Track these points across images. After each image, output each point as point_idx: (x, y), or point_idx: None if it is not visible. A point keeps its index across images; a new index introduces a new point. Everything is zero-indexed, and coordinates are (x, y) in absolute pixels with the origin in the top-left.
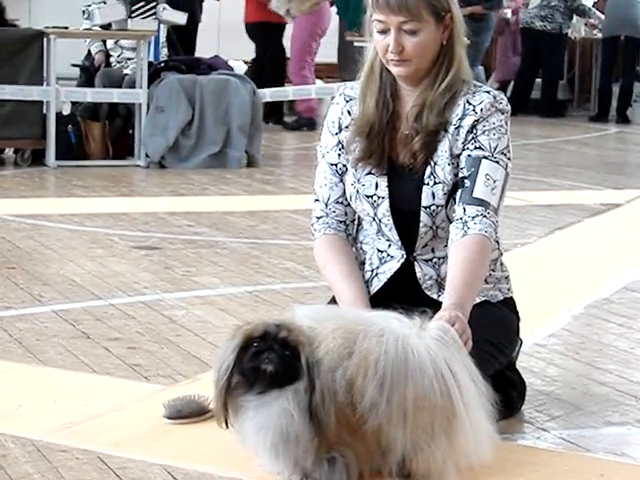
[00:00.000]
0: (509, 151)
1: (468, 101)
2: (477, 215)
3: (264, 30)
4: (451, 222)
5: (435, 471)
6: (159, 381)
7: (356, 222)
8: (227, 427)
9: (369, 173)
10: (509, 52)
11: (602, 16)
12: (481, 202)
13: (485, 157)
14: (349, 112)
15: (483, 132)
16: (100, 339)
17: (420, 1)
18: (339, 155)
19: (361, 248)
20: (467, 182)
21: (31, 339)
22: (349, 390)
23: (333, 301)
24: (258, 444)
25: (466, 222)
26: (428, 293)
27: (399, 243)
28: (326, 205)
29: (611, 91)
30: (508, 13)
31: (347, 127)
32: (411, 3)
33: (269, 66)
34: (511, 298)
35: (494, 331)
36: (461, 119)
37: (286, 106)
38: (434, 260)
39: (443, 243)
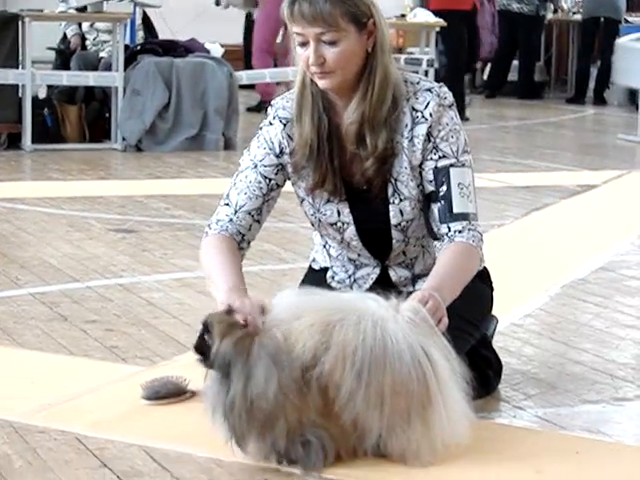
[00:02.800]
0: (467, 144)
1: (413, 107)
2: (462, 229)
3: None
4: (432, 236)
5: (410, 455)
6: (137, 363)
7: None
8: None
9: (328, 201)
10: (487, 31)
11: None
12: (463, 216)
13: (452, 165)
14: (290, 137)
15: (441, 139)
16: (78, 321)
17: (336, 9)
18: (276, 173)
19: (328, 254)
20: (442, 200)
21: (8, 322)
22: (325, 383)
23: (305, 282)
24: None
25: (452, 236)
26: (404, 289)
27: (370, 256)
28: (235, 212)
29: (589, 73)
30: None
31: (291, 153)
32: (326, 12)
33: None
34: (484, 269)
35: (467, 306)
36: (412, 129)
37: None
38: (406, 262)
39: (413, 244)
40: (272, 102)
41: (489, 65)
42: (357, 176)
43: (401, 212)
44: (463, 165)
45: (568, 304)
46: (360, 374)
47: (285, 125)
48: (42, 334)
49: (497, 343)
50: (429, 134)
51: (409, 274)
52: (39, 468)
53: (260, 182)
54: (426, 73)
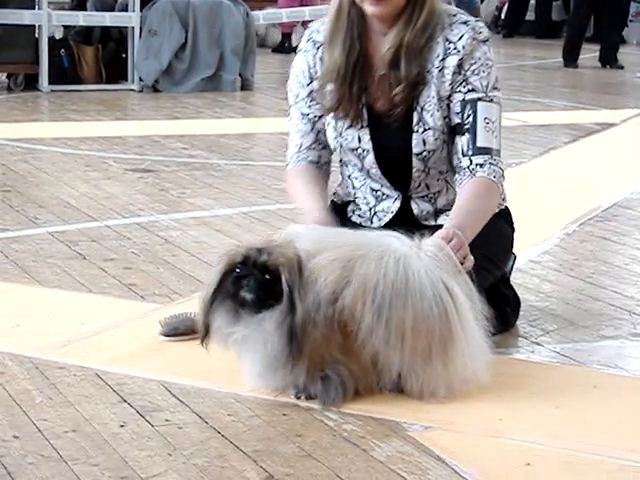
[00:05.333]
0: (498, 81)
1: (447, 38)
2: (484, 163)
3: None
4: (454, 171)
5: (427, 392)
6: (155, 300)
7: (337, 159)
8: (206, 347)
9: (350, 126)
10: None
11: None
12: (486, 150)
13: (480, 99)
14: (321, 59)
15: (472, 72)
16: (96, 260)
17: None
18: (310, 106)
19: (352, 185)
20: (467, 132)
21: (27, 260)
22: (346, 318)
23: None
24: (248, 366)
25: (474, 170)
26: (425, 223)
27: (391, 187)
28: (299, 149)
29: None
30: None
31: (318, 77)
32: None
33: None
34: (506, 208)
35: (489, 244)
36: (443, 59)
37: None
38: (429, 196)
39: (436, 178)
40: (306, 31)
41: (506, 5)
42: (382, 100)
43: (424, 141)
44: (491, 100)
45: (586, 241)
46: (381, 309)
47: (318, 49)
48: (61, 272)
49: (515, 280)
50: (460, 66)
51: (431, 208)
52: (59, 403)
53: (302, 119)
54: None
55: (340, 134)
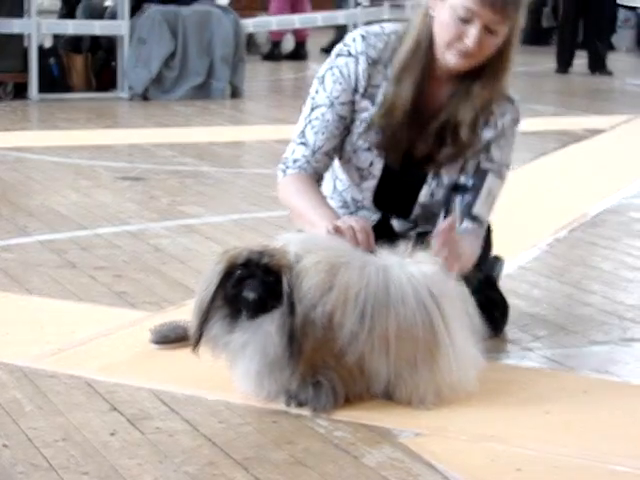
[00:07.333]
0: (511, 160)
1: (492, 110)
2: (472, 232)
3: None
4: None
5: (416, 399)
6: (145, 308)
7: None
8: (197, 351)
9: (368, 149)
10: None
11: None
12: (478, 220)
13: (492, 171)
14: (370, 76)
15: (497, 146)
16: (86, 268)
17: (519, 5)
18: (351, 111)
19: (334, 186)
20: (467, 195)
21: (17, 269)
22: (329, 323)
23: None
24: (244, 371)
25: (460, 232)
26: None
27: (376, 208)
28: (313, 153)
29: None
30: None
31: (364, 94)
32: (511, 7)
33: None
34: None
35: None
36: (482, 129)
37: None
38: (411, 219)
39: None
40: (360, 32)
41: None
42: (421, 148)
43: (432, 194)
44: (501, 177)
45: (576, 247)
46: (363, 317)
47: (369, 64)
48: (51, 281)
49: (505, 286)
50: (491, 139)
51: (412, 225)
52: (49, 412)
53: (337, 121)
54: None
55: (354, 150)
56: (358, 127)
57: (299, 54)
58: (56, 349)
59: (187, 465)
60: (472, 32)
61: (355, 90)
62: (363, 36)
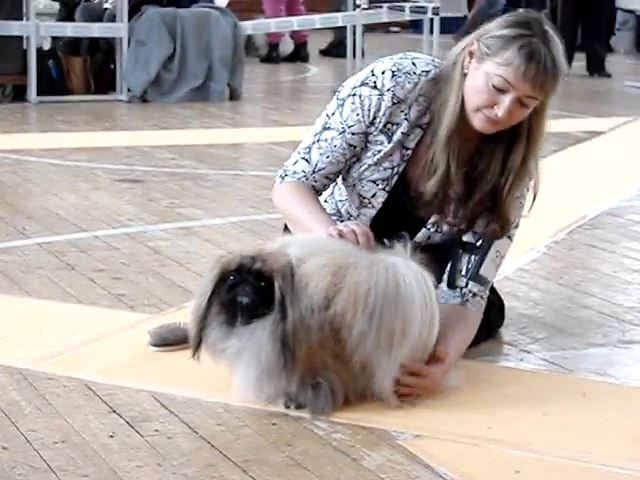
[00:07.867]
0: (521, 221)
1: None
2: (477, 293)
3: None
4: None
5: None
6: (144, 310)
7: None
8: (197, 357)
9: (374, 182)
10: None
11: None
12: (484, 281)
13: None
14: (391, 114)
15: (510, 205)
16: (85, 270)
17: (556, 82)
18: (361, 141)
19: (331, 193)
20: (475, 255)
21: (16, 271)
22: (337, 324)
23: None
24: (244, 377)
25: (465, 297)
26: None
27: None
28: (313, 172)
29: None
30: None
31: (382, 129)
32: (550, 83)
33: None
34: None
35: None
36: None
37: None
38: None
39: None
40: (392, 66)
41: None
42: (423, 186)
43: (429, 237)
44: (509, 237)
45: (575, 249)
46: (372, 316)
47: (394, 103)
48: (50, 283)
49: (504, 288)
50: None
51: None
52: (48, 414)
53: (345, 149)
54: (431, 21)
55: (360, 179)
56: (369, 158)
57: (300, 56)
58: (55, 351)
59: (186, 467)
60: (505, 103)
61: (372, 124)
62: (394, 72)
